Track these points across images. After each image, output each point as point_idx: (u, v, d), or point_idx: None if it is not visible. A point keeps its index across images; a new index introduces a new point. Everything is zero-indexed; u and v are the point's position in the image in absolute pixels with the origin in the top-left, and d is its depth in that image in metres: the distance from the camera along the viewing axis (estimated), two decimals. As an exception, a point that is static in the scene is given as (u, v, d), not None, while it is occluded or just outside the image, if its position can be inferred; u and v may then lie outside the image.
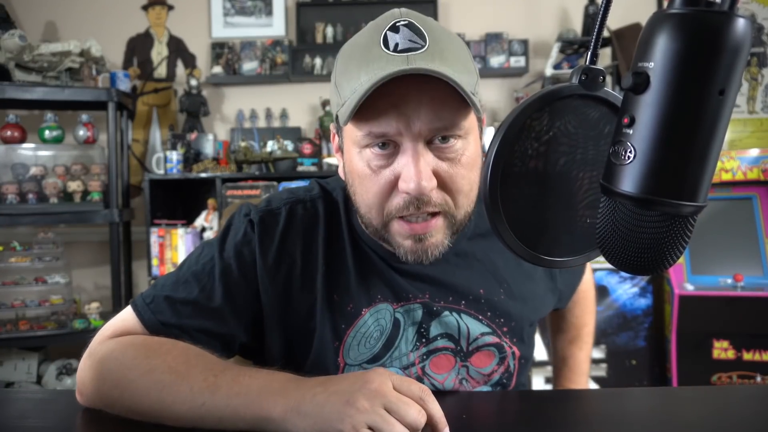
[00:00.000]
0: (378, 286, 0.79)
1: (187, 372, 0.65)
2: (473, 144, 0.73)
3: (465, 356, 0.82)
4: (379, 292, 0.79)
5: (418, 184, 0.67)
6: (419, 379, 0.80)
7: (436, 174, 0.69)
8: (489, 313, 0.82)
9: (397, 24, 0.69)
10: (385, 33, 0.68)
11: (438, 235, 0.72)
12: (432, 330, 0.80)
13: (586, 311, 1.09)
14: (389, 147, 0.69)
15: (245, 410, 0.60)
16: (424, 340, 0.80)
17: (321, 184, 0.86)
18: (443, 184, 0.70)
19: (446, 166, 0.70)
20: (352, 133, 0.71)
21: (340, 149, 0.78)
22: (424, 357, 0.80)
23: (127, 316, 0.77)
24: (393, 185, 0.70)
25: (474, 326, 0.81)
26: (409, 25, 0.68)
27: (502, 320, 0.83)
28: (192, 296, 0.76)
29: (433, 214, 0.71)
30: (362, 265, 0.80)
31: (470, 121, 0.72)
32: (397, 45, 0.67)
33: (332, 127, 0.80)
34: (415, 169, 0.67)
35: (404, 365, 0.79)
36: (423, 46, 0.67)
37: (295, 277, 0.78)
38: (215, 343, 0.76)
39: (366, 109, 0.67)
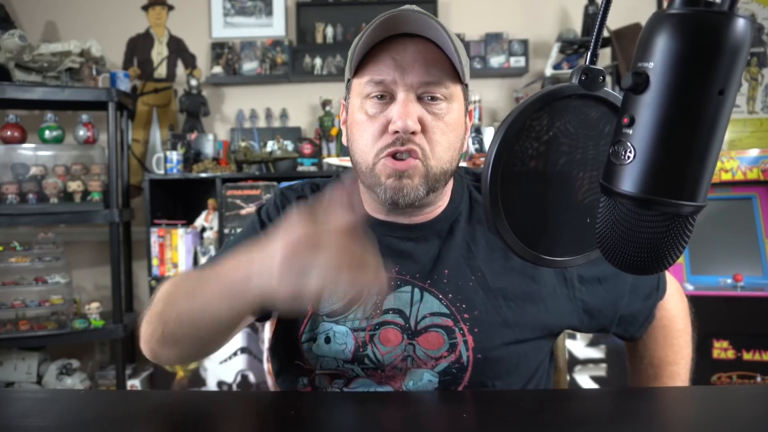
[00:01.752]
0: None
1: (201, 274, 0.79)
2: (456, 111, 0.84)
3: (412, 334, 0.84)
4: None
5: (405, 122, 0.79)
6: (364, 344, 0.85)
7: (421, 122, 0.81)
8: (450, 295, 0.84)
9: (406, 8, 0.81)
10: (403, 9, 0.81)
11: (415, 178, 0.81)
12: (385, 303, 0.86)
13: (666, 345, 0.95)
14: (386, 98, 0.82)
15: (218, 283, 0.70)
16: (378, 311, 0.85)
17: (339, 175, 1.01)
18: (425, 132, 0.81)
19: (430, 118, 0.81)
20: (357, 85, 0.84)
21: (347, 118, 0.90)
22: (376, 327, 0.85)
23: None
24: (384, 129, 0.81)
25: (430, 305, 0.84)
26: (418, 10, 0.81)
27: (464, 306, 0.84)
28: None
29: (413, 155, 0.81)
30: None
31: (456, 90, 0.84)
32: None
33: (342, 100, 0.92)
34: (403, 110, 0.79)
35: (355, 327, 0.85)
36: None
37: None
38: None
39: (370, 61, 0.82)
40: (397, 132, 0.79)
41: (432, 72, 0.80)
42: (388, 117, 0.81)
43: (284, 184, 1.03)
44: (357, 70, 0.84)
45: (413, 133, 0.79)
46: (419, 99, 0.81)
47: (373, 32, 0.79)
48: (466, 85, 0.86)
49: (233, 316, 0.73)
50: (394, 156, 0.81)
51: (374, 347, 0.84)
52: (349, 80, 0.87)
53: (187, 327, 0.76)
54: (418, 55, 0.80)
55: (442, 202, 0.90)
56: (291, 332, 0.89)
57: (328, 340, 0.86)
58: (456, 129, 0.84)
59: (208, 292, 0.72)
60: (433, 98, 0.81)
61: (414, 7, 0.82)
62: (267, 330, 1.10)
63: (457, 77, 0.82)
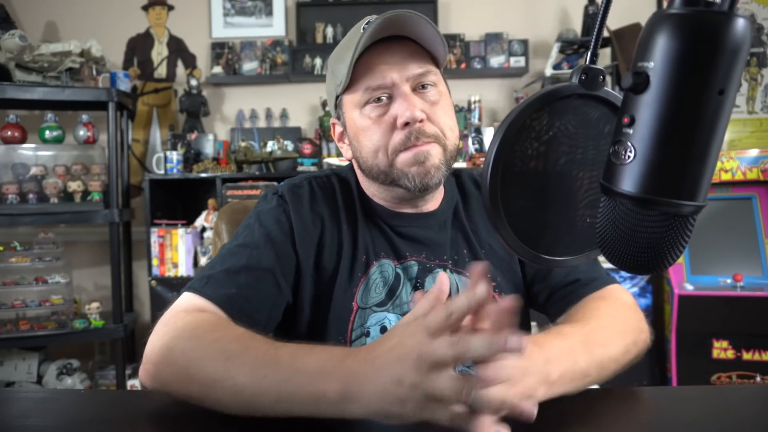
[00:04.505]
0: (383, 246, 0.92)
1: (251, 343, 0.67)
2: (444, 95, 0.90)
3: None
4: (382, 249, 0.92)
5: (413, 112, 0.83)
6: None
7: (423, 112, 0.85)
8: None
9: (374, 17, 0.85)
10: (365, 23, 0.86)
11: (435, 158, 0.85)
12: (426, 285, 0.90)
13: None
14: (384, 100, 0.86)
15: (303, 389, 0.60)
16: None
17: (332, 169, 1.02)
18: (430, 120, 0.86)
19: (428, 107, 0.86)
20: (352, 98, 0.88)
21: (344, 133, 0.94)
22: None
23: (190, 297, 0.79)
24: (392, 127, 0.85)
25: (462, 282, 0.90)
26: (392, 15, 0.84)
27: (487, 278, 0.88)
28: (242, 262, 0.83)
29: (427, 142, 0.85)
30: (372, 228, 0.93)
31: (438, 74, 0.90)
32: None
33: (332, 120, 0.96)
34: (408, 102, 0.83)
35: (403, 312, 0.87)
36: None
37: (326, 236, 0.91)
38: (273, 307, 0.84)
39: (362, 71, 0.86)
40: (407, 124, 0.83)
41: (421, 64, 0.86)
42: (392, 115, 0.85)
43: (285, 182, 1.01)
44: (348, 86, 0.87)
45: (421, 122, 0.84)
46: (413, 90, 0.86)
47: (359, 46, 0.83)
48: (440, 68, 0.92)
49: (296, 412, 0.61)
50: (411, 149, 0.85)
51: None
52: (338, 97, 0.91)
53: (217, 398, 0.65)
54: (404, 51, 0.86)
55: (440, 192, 0.96)
56: (329, 334, 0.86)
57: (384, 330, 0.85)
58: (452, 109, 0.91)
59: (278, 381, 0.61)
60: (424, 86, 0.87)
61: (385, 16, 0.84)
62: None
63: (434, 62, 0.89)
